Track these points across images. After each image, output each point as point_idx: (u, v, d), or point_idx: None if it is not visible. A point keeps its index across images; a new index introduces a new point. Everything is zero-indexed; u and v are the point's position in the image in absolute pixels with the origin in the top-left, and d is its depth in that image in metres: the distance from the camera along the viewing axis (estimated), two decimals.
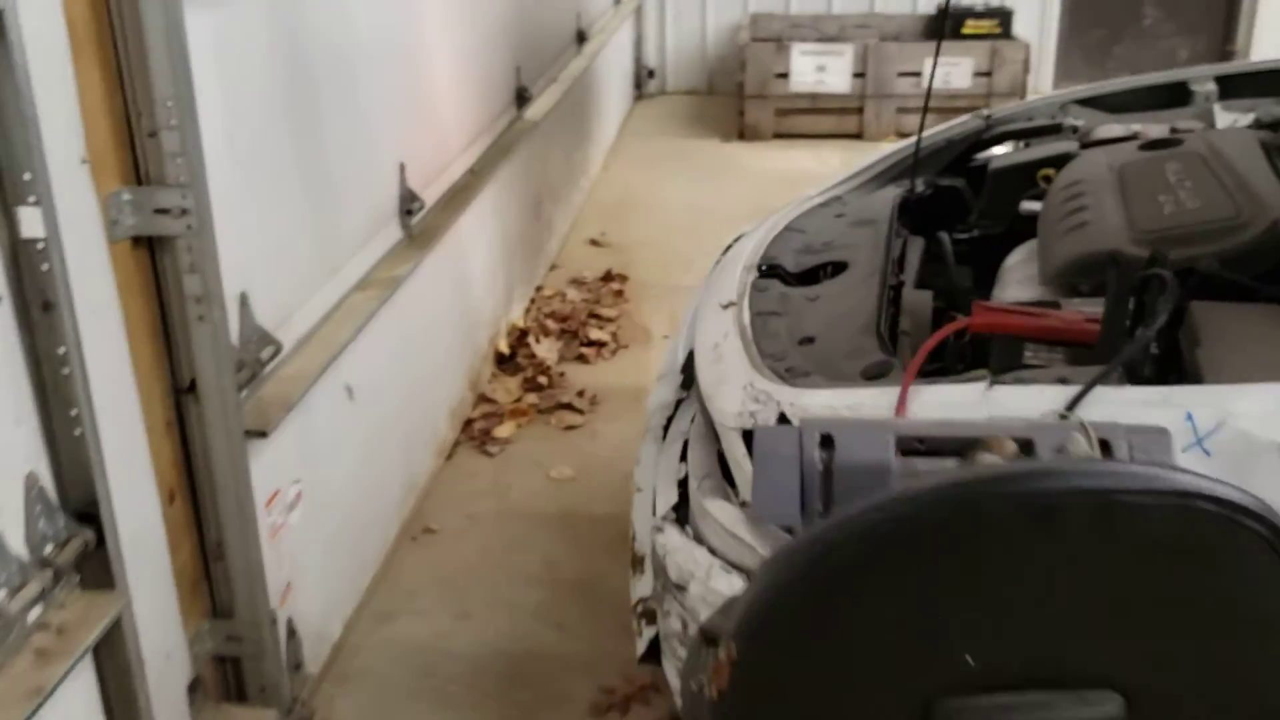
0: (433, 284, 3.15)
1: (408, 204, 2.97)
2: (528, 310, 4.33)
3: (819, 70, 6.83)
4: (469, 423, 3.53)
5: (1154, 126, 2.61)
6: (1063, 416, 1.42)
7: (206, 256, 1.82)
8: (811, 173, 5.45)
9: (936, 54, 3.23)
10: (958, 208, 2.59)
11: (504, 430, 3.49)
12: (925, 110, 2.45)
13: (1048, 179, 2.43)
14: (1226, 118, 2.74)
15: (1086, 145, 2.57)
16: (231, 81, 2.01)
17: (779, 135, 6.90)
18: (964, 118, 2.86)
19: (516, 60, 4.34)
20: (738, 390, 1.72)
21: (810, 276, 2.16)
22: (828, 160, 6.21)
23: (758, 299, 2.03)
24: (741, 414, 1.67)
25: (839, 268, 2.13)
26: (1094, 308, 1.72)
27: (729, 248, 2.49)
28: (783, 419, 1.61)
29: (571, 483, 3.24)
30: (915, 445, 1.40)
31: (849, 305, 1.94)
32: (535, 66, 4.68)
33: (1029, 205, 2.38)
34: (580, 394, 3.69)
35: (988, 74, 6.76)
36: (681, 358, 2.27)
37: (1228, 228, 1.84)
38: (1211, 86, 2.93)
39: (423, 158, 3.14)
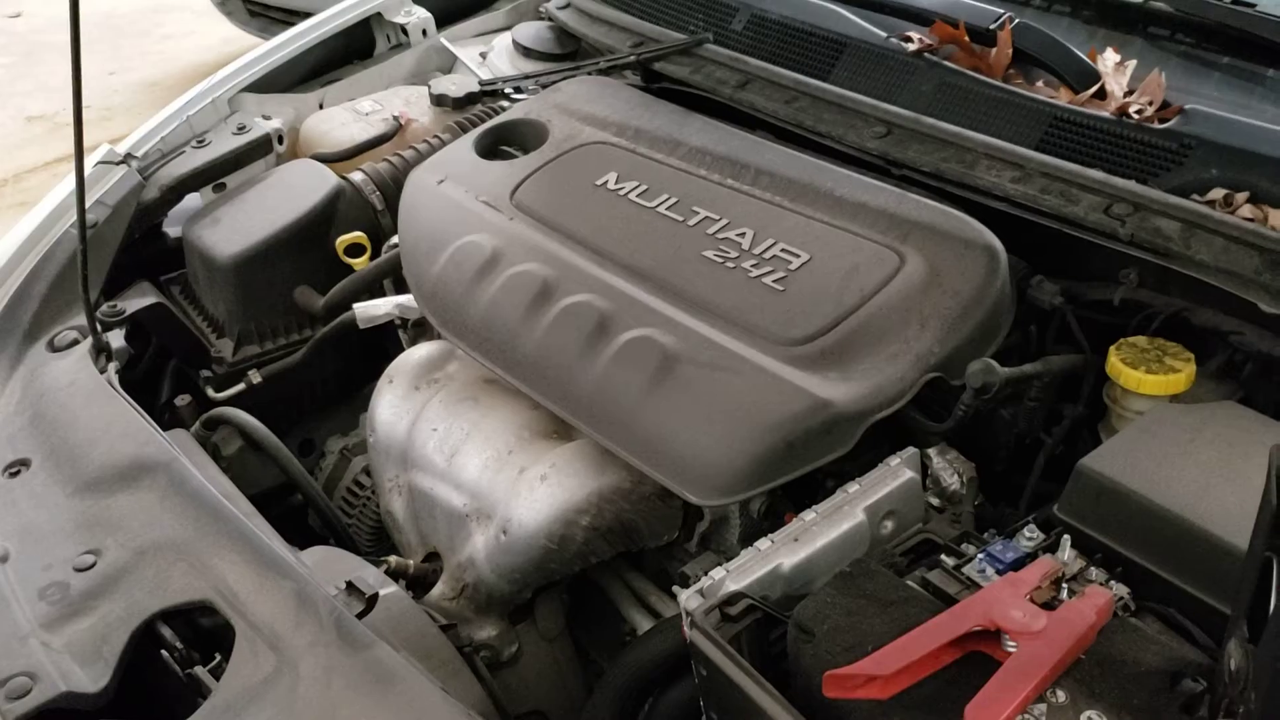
0: None
1: None
2: None
3: None
4: None
5: (393, 101, 1.88)
6: None
7: None
8: None
9: None
10: (181, 344, 1.60)
11: None
12: None
13: (358, 250, 1.63)
14: (470, 55, 2.00)
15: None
16: None
17: None
18: (97, 166, 1.68)
19: None
20: None
21: None
22: None
23: None
24: None
25: None
26: None
27: None
28: None
29: None
30: None
31: None
32: None
33: (369, 309, 1.53)
34: None
35: None
36: None
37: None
38: (421, 13, 2.09)
39: None
